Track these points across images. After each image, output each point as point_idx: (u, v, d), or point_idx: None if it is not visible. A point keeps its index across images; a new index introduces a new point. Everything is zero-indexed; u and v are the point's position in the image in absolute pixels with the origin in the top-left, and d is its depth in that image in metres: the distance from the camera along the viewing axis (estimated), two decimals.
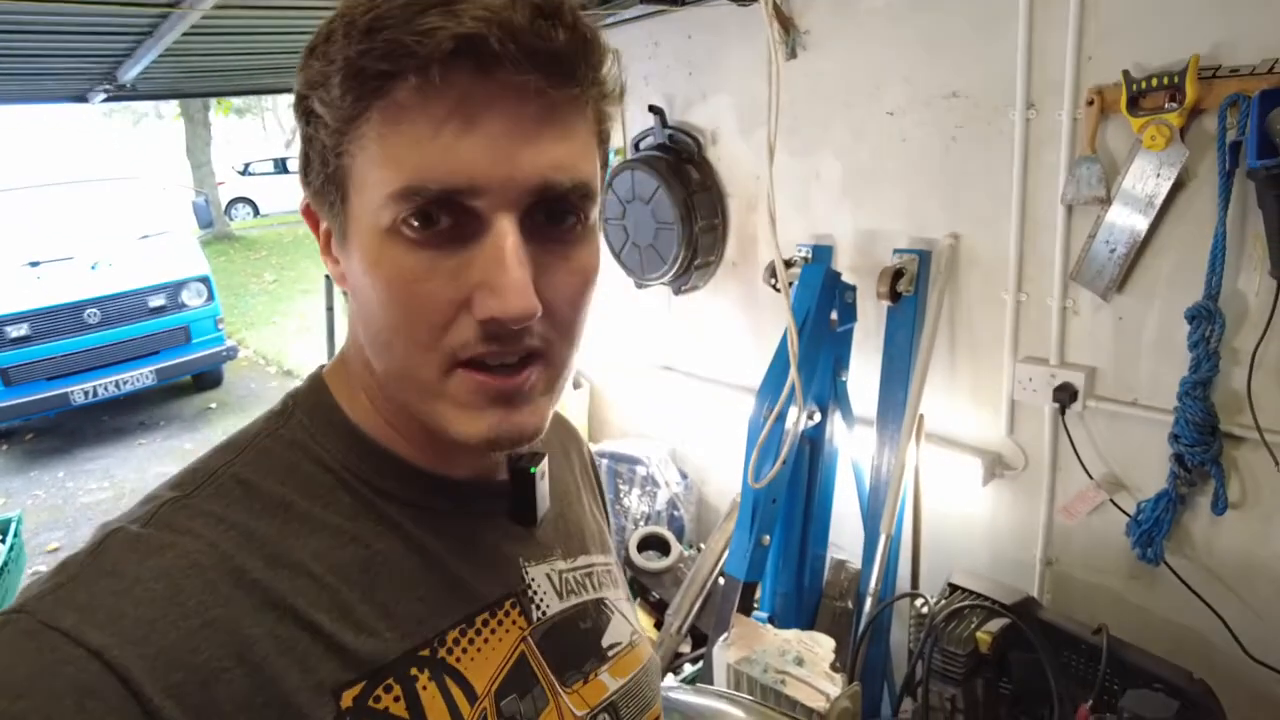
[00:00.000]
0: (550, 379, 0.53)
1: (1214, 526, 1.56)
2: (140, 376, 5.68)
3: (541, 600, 0.63)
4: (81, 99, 2.94)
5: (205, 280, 6.04)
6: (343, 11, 0.46)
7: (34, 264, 5.66)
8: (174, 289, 5.88)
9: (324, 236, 0.55)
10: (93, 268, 5.71)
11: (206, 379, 6.58)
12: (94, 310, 5.51)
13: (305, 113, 0.50)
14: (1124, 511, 1.65)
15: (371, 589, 0.53)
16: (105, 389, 5.55)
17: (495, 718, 0.56)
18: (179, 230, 6.49)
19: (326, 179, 0.50)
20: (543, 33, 0.45)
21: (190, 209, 6.87)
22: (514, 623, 0.60)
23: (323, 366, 0.61)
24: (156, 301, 5.79)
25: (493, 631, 0.59)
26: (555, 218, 0.50)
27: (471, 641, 0.57)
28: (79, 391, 5.46)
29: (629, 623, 0.72)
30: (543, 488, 0.65)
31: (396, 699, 0.51)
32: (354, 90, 0.46)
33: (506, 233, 0.47)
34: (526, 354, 0.50)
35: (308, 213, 0.56)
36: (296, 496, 0.53)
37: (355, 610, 0.51)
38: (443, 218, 0.47)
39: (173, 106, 13.37)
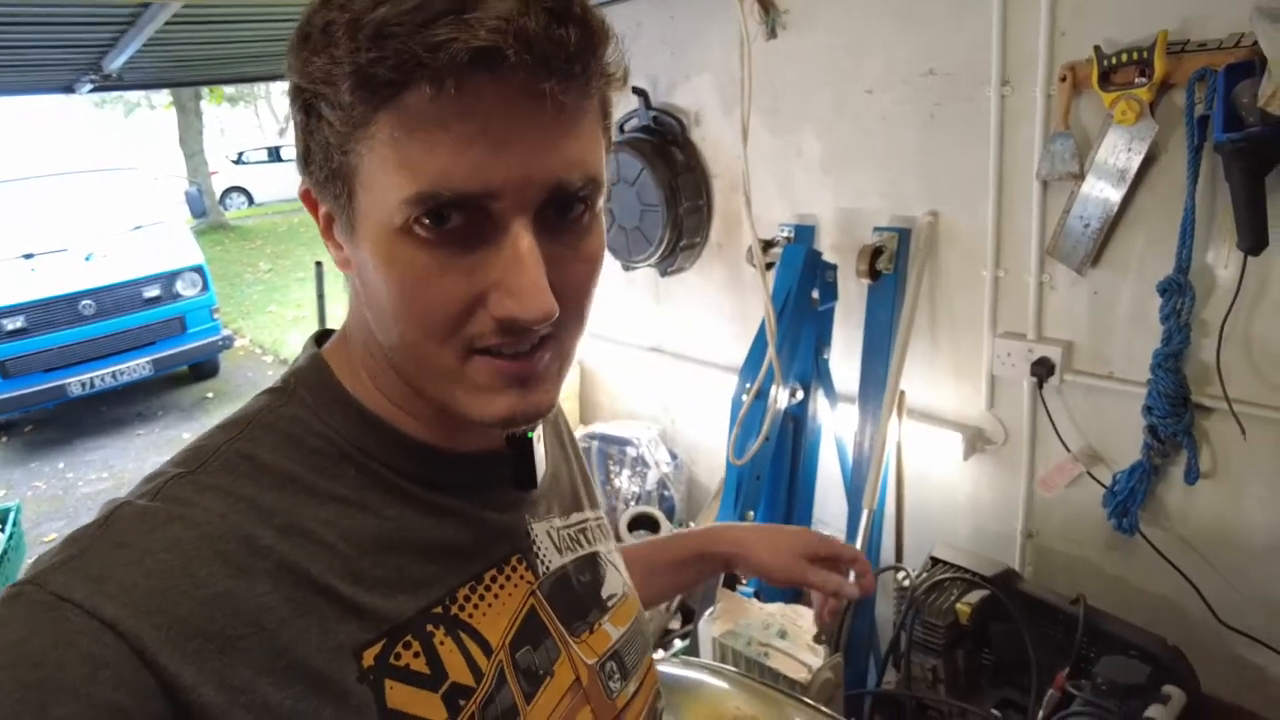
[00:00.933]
0: (561, 360, 0.55)
1: (1187, 496, 1.59)
2: (137, 367, 5.71)
3: (545, 555, 0.66)
4: (69, 89, 2.93)
5: (200, 270, 6.06)
6: (342, 4, 0.45)
7: (28, 256, 5.66)
8: (168, 279, 5.89)
9: (325, 220, 0.55)
10: (87, 259, 5.72)
11: (203, 369, 6.61)
12: (89, 302, 5.53)
13: (305, 104, 0.49)
14: (1100, 483, 1.68)
15: (383, 554, 0.54)
16: (102, 380, 5.58)
17: (511, 669, 0.58)
18: (172, 220, 6.49)
19: (331, 173, 0.50)
20: (557, 39, 0.44)
21: (183, 199, 6.86)
22: (521, 577, 0.62)
23: (321, 344, 0.62)
24: (151, 292, 5.81)
25: (501, 587, 0.60)
26: (564, 210, 0.50)
27: (482, 598, 0.59)
28: (76, 383, 5.49)
29: (621, 574, 0.75)
30: (539, 451, 0.67)
31: (416, 655, 0.52)
32: (364, 97, 0.45)
33: (522, 235, 0.48)
34: (540, 340, 0.52)
35: (307, 197, 0.55)
36: (303, 470, 0.54)
37: (368, 574, 0.53)
38: (455, 216, 0.47)
39: (165, 96, 13.32)
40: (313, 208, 0.56)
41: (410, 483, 0.58)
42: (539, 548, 0.65)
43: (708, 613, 1.78)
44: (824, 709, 1.16)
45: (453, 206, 0.46)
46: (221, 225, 13.28)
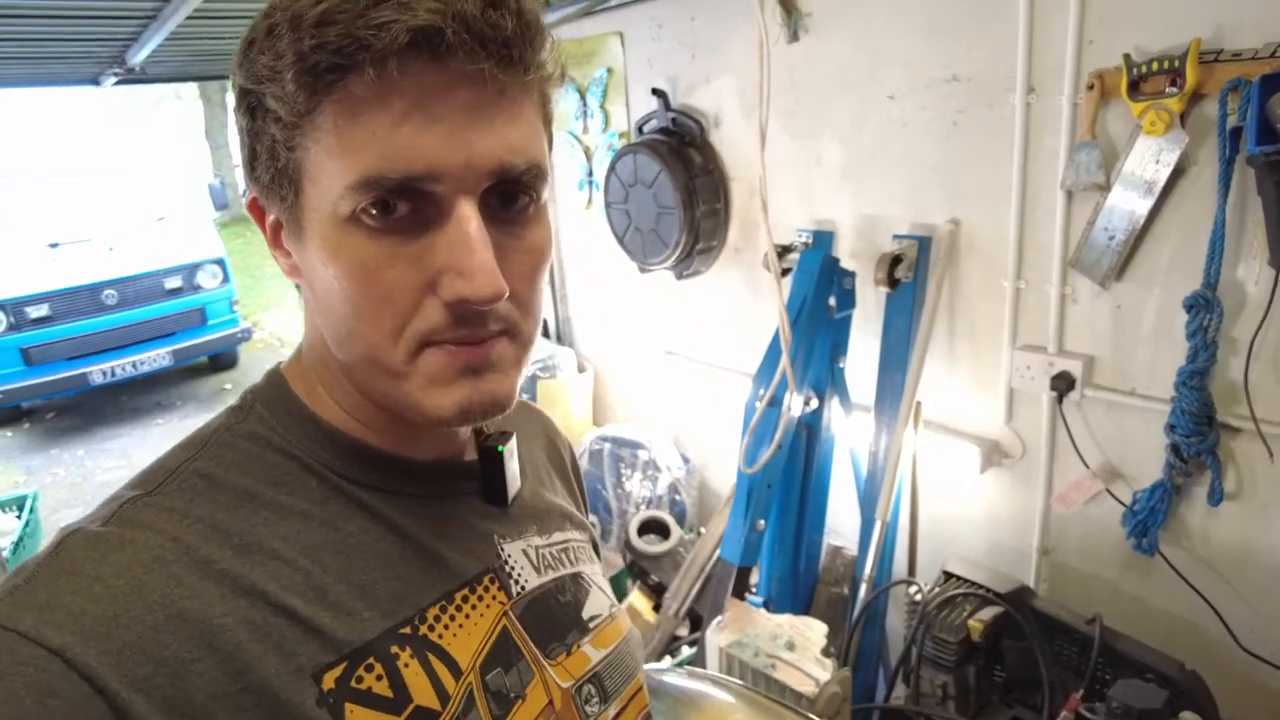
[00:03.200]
0: (517, 352, 0.54)
1: (1209, 517, 1.55)
2: (157, 357, 5.76)
3: (520, 575, 0.64)
4: (94, 82, 2.96)
5: (220, 262, 6.09)
6: (282, 5, 0.46)
7: (54, 245, 5.74)
8: (189, 271, 5.93)
9: (271, 230, 0.55)
10: (110, 250, 5.78)
11: (222, 360, 6.65)
12: (112, 291, 5.58)
13: (250, 107, 0.49)
14: (1120, 501, 1.64)
15: (347, 570, 0.53)
16: (123, 369, 5.63)
17: (481, 691, 0.56)
18: (195, 213, 6.54)
19: (277, 172, 0.50)
20: (494, 21, 0.46)
21: (207, 191, 6.92)
22: (494, 598, 0.61)
23: (280, 363, 0.61)
24: (172, 283, 5.85)
25: (473, 607, 0.59)
26: (508, 200, 0.51)
27: (453, 618, 0.57)
28: (98, 371, 5.55)
29: (607, 596, 0.74)
30: (512, 467, 0.65)
31: (379, 677, 0.51)
32: (308, 85, 0.46)
33: (469, 217, 0.48)
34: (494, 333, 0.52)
35: (254, 207, 0.55)
36: (262, 486, 0.53)
37: (331, 591, 0.51)
38: (400, 205, 0.47)
39: (191, 88, 13.43)
40: (259, 217, 0.55)
41: (374, 495, 0.56)
42: (513, 567, 0.64)
43: (715, 621, 1.76)
44: None
45: (398, 193, 0.47)
46: (243, 218, 13.39)
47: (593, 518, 2.79)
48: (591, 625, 0.69)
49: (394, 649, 0.52)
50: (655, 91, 2.38)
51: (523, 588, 0.64)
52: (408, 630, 0.54)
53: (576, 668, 0.65)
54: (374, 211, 0.47)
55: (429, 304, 0.49)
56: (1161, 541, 1.59)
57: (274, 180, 0.50)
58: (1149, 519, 1.58)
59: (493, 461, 0.64)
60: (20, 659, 0.41)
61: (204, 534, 0.49)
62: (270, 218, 0.54)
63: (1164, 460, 1.54)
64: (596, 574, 0.75)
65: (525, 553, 0.66)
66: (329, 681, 0.49)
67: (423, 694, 0.53)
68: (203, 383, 6.58)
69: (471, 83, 0.47)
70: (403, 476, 0.59)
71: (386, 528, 0.56)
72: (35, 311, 5.38)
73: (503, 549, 0.64)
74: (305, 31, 0.44)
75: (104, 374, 5.57)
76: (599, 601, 0.71)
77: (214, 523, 0.50)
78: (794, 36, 2.01)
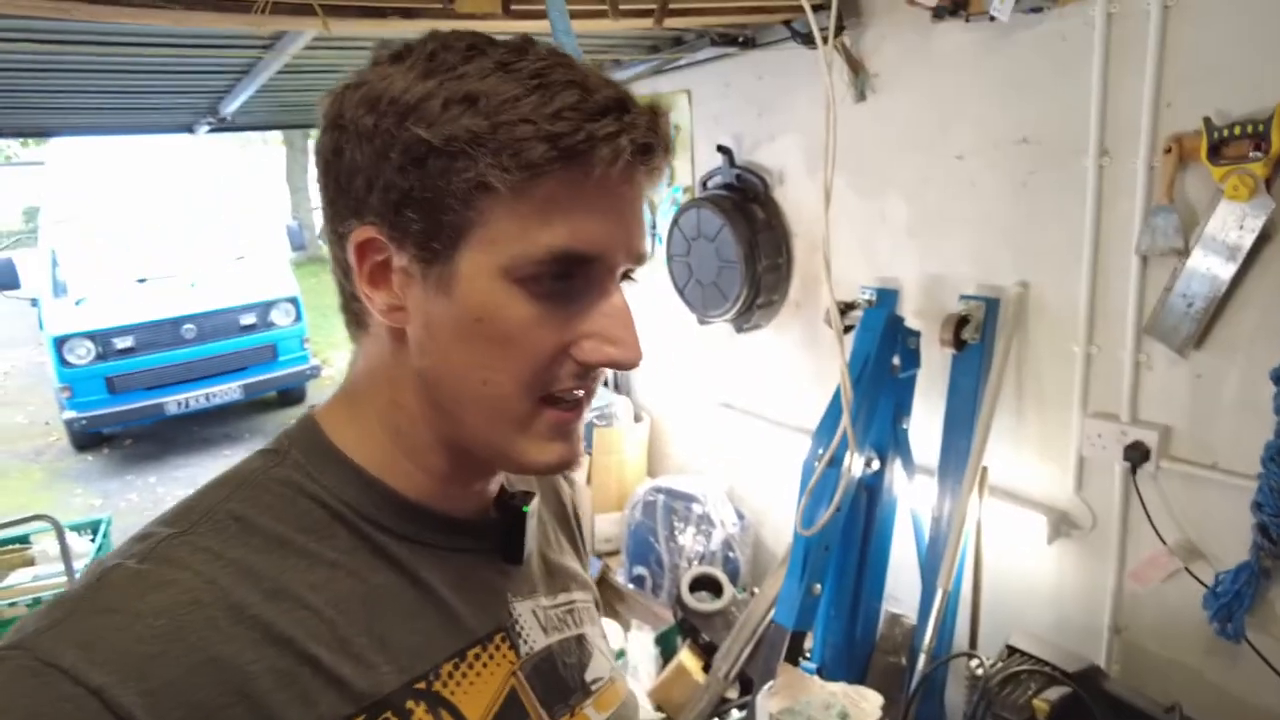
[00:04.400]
0: (586, 414, 0.61)
1: None
2: (229, 390, 5.98)
3: (528, 635, 0.65)
4: (188, 130, 3.14)
5: (294, 301, 6.33)
6: (504, 71, 0.51)
7: (141, 280, 6.04)
8: (264, 308, 6.18)
9: (376, 269, 0.55)
10: (192, 286, 6.06)
11: (290, 395, 6.86)
12: (191, 326, 5.85)
13: (419, 160, 0.51)
14: (1201, 582, 1.55)
15: (370, 622, 0.54)
16: (196, 401, 5.87)
17: None
18: (272, 253, 6.82)
19: (436, 225, 0.52)
20: (670, 144, 0.55)
21: (285, 232, 7.21)
22: (504, 656, 0.62)
23: (314, 408, 0.63)
24: (247, 320, 6.10)
25: (485, 665, 0.60)
26: (622, 278, 0.58)
27: (465, 675, 0.58)
28: (173, 402, 5.79)
29: (607, 658, 0.75)
30: (531, 525, 0.67)
31: None
32: (532, 166, 0.50)
33: (619, 294, 0.56)
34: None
35: (367, 246, 0.54)
36: (293, 532, 0.54)
37: (353, 643, 0.53)
38: (575, 276, 0.54)
39: (277, 133, 14.13)
40: (362, 256, 0.55)
41: (401, 545, 0.58)
42: (522, 627, 0.65)
43: (766, 686, 1.71)
44: None
45: (576, 265, 0.53)
46: (319, 259, 13.91)
47: (643, 570, 2.77)
48: (594, 688, 0.70)
49: (409, 704, 0.54)
50: (720, 148, 2.41)
51: (531, 648, 0.65)
52: (423, 685, 0.55)
53: None
54: (550, 279, 0.53)
55: (563, 362, 0.55)
56: (1248, 627, 1.49)
57: (426, 230, 0.52)
58: (1234, 603, 1.49)
59: (515, 520, 0.66)
60: (61, 696, 0.42)
61: (237, 577, 0.50)
62: (379, 258, 0.54)
63: (1251, 540, 1.45)
64: (598, 636, 0.76)
65: (534, 613, 0.67)
66: None
67: None
68: (270, 417, 6.79)
69: (636, 187, 0.55)
70: (436, 528, 0.60)
71: (410, 580, 0.58)
72: (121, 343, 5.67)
73: (514, 608, 0.65)
74: (541, 118, 0.49)
75: (179, 404, 5.81)
76: (601, 664, 0.73)
77: (246, 566, 0.51)
78: (861, 96, 2.02)
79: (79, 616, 0.46)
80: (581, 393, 0.57)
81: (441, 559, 0.60)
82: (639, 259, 0.57)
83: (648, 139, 0.52)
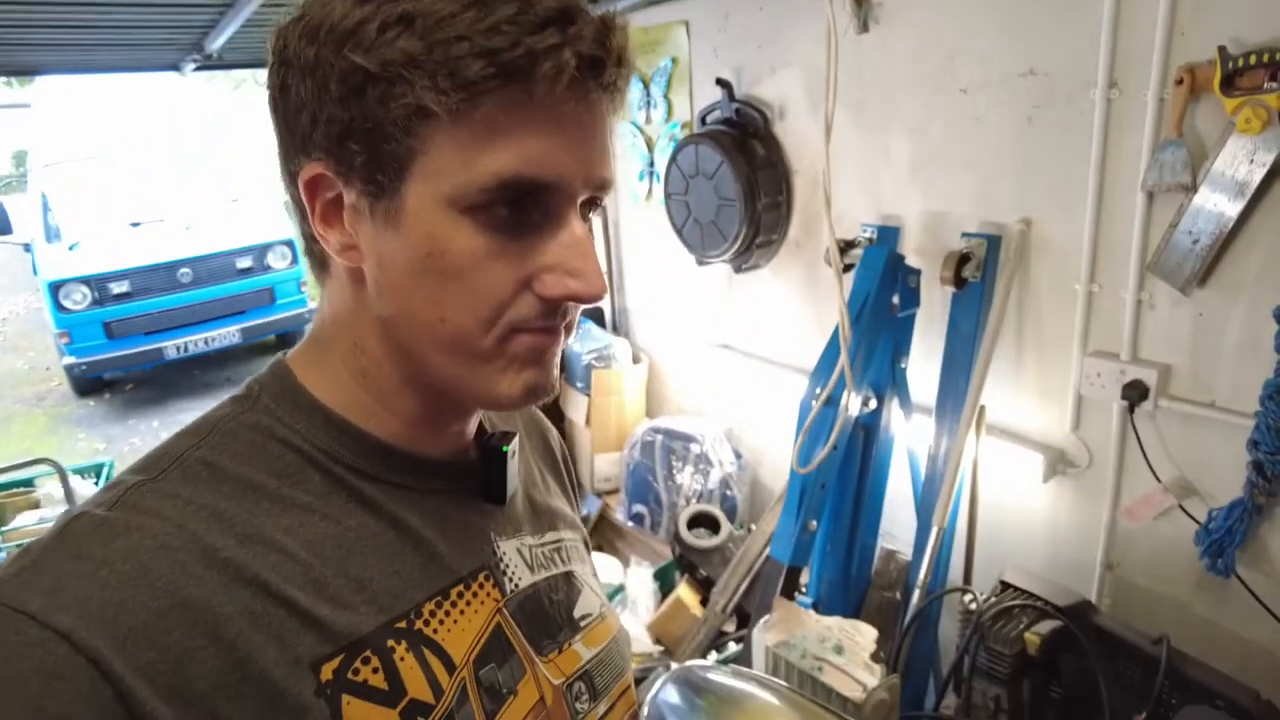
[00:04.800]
0: (563, 344, 0.58)
1: None
2: (227, 334, 5.98)
3: (514, 573, 0.65)
4: (175, 68, 3.07)
5: (290, 244, 6.27)
6: (422, 5, 0.47)
7: (135, 224, 5.98)
8: (260, 251, 6.13)
9: (328, 207, 0.53)
10: (186, 229, 6.00)
11: (288, 339, 6.80)
12: (187, 270, 5.81)
13: (358, 88, 0.48)
14: (1193, 518, 1.57)
15: (345, 563, 0.54)
16: (195, 345, 5.87)
17: (474, 686, 0.57)
18: (266, 195, 6.74)
19: (380, 155, 0.50)
20: (625, 57, 0.51)
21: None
22: (488, 594, 0.62)
23: (285, 352, 0.62)
24: (244, 263, 6.05)
25: (468, 603, 0.60)
26: (585, 209, 0.55)
27: (448, 613, 0.58)
28: (172, 346, 5.80)
29: (598, 595, 0.75)
30: (513, 466, 0.67)
31: (375, 670, 0.52)
32: (472, 84, 0.47)
33: (578, 224, 0.53)
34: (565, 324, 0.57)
35: (313, 182, 0.53)
36: (264, 477, 0.53)
37: (330, 584, 0.52)
38: (527, 205, 0.51)
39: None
40: (312, 194, 0.53)
41: (377, 487, 0.57)
42: (507, 565, 0.65)
43: (763, 620, 1.74)
44: None
45: (527, 193, 0.50)
46: None
47: (641, 508, 2.80)
48: (583, 624, 0.70)
49: (390, 642, 0.53)
50: (720, 82, 2.35)
51: (516, 585, 0.65)
52: (404, 625, 0.55)
53: (568, 665, 0.66)
54: (503, 210, 0.50)
55: (524, 297, 0.53)
56: (1238, 563, 1.51)
57: (371, 162, 0.50)
58: (1226, 539, 1.50)
59: (496, 461, 0.65)
60: (28, 640, 0.42)
61: (207, 522, 0.49)
62: (329, 195, 0.53)
63: (1245, 478, 1.46)
64: (588, 573, 0.77)
65: (519, 551, 0.67)
66: (326, 673, 0.50)
67: (417, 687, 0.53)
68: (268, 360, 6.78)
69: (591, 107, 0.51)
70: (410, 470, 0.59)
71: (387, 522, 0.57)
72: (117, 287, 5.64)
73: (498, 547, 0.65)
74: (481, 34, 0.46)
75: (178, 349, 5.81)
76: (590, 601, 0.73)
77: (217, 511, 0.50)
78: (864, 28, 1.96)
79: (45, 564, 0.46)
80: (553, 322, 0.55)
81: (420, 500, 0.60)
82: (601, 186, 0.54)
83: (594, 51, 0.48)
